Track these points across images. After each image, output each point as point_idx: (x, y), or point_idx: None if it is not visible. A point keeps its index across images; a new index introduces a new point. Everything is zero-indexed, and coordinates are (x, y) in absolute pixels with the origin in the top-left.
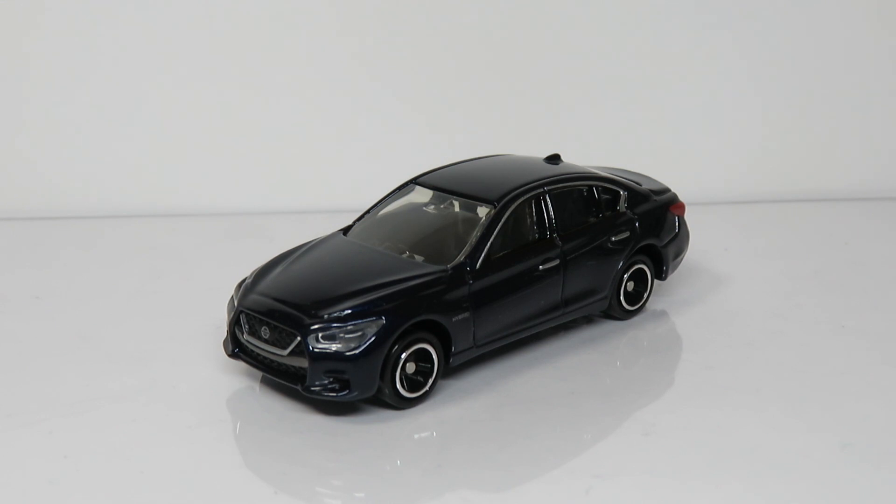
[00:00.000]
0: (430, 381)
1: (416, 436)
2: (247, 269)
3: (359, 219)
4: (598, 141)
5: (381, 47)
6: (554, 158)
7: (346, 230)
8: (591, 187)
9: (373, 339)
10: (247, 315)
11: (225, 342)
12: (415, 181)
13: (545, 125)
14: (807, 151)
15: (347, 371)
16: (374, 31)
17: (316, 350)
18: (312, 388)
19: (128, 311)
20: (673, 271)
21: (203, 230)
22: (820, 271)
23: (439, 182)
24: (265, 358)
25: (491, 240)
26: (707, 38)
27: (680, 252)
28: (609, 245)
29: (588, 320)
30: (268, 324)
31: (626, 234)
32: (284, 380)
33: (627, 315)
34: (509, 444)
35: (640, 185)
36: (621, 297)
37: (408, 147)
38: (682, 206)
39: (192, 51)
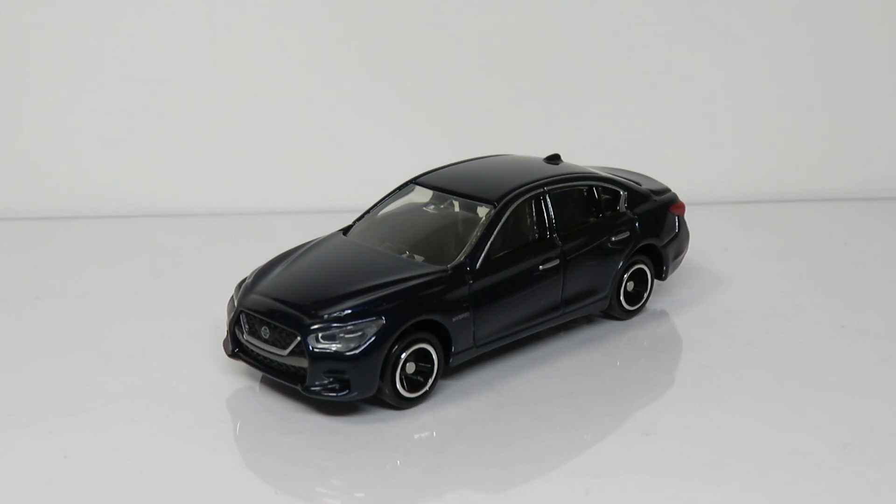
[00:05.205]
0: (430, 381)
1: (416, 436)
2: (247, 270)
3: (359, 219)
4: (598, 141)
5: (381, 47)
6: (554, 158)
7: (346, 230)
8: (591, 187)
9: (373, 339)
10: (247, 315)
11: (225, 342)
12: (415, 181)
13: (545, 125)
14: (807, 151)
15: (347, 371)
16: (374, 31)
17: (316, 350)
18: (312, 388)
19: (128, 311)
20: (673, 271)
21: (203, 230)
22: (820, 271)
23: (439, 182)
24: (265, 358)
25: (491, 240)
26: (707, 38)
27: (680, 252)
28: (609, 245)
29: (588, 320)
30: (268, 324)
31: (626, 234)
32: (284, 380)
33: (627, 315)
34: (509, 444)
35: (640, 185)
36: (621, 297)
37: (408, 147)
38: (682, 206)
39: (193, 51)
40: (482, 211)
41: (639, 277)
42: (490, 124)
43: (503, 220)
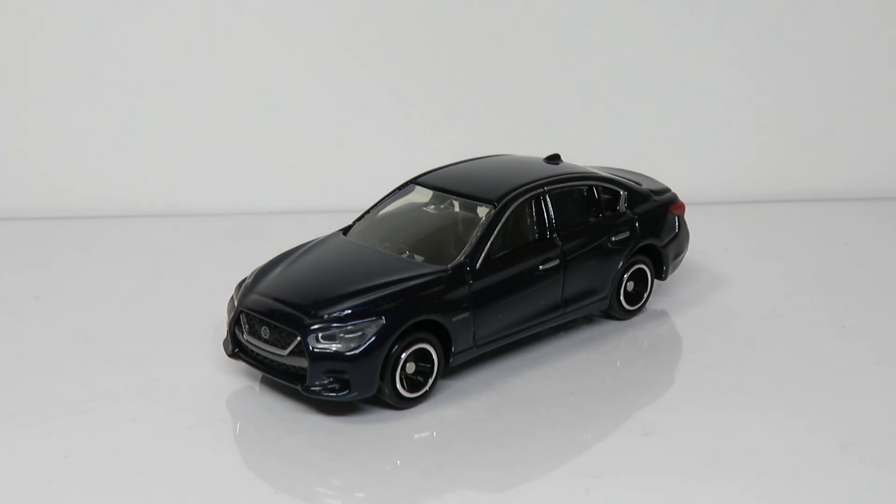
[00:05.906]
0: (430, 381)
1: (416, 436)
2: (247, 270)
3: (359, 219)
4: (598, 141)
5: (381, 47)
6: (554, 158)
7: (346, 230)
8: (591, 187)
9: (373, 339)
10: (247, 315)
11: (225, 342)
12: (415, 181)
13: (545, 125)
14: (807, 151)
15: (347, 371)
16: (374, 31)
17: (316, 350)
18: (312, 388)
19: (128, 311)
20: (673, 271)
21: (203, 230)
22: (820, 271)
23: (439, 182)
24: (265, 358)
25: (491, 240)
26: (707, 38)
27: (680, 252)
28: (609, 245)
29: (588, 320)
30: (268, 324)
31: (626, 234)
32: (284, 380)
33: (627, 315)
34: (509, 444)
35: (640, 185)
36: (621, 297)
37: (408, 147)
38: (682, 206)
39: (193, 51)
40: (482, 211)
41: (639, 277)
42: (490, 124)
43: (503, 220)
